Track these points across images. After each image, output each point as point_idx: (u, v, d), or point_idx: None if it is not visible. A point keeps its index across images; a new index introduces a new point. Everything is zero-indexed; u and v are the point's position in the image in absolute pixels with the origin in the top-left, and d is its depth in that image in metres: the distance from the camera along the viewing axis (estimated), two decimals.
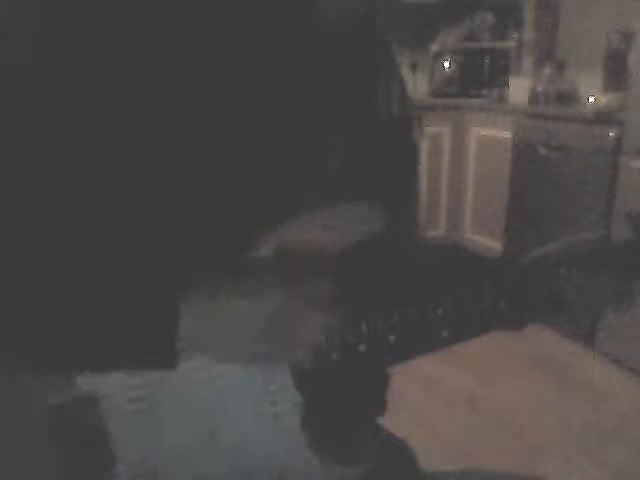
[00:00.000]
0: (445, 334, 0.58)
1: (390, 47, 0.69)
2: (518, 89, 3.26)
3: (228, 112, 0.54)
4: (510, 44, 3.61)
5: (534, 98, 3.16)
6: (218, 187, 0.55)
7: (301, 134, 0.59)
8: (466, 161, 3.38)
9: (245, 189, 0.56)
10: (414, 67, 3.71)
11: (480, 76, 3.75)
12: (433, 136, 3.30)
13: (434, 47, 3.81)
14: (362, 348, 0.57)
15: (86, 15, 0.51)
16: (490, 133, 3.19)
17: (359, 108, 0.64)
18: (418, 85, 3.81)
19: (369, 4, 0.64)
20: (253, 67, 0.55)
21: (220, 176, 0.55)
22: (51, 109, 0.50)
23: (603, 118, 2.48)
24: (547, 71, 3.20)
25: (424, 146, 3.26)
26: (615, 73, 2.88)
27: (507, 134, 3.00)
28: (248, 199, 0.56)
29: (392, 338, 0.57)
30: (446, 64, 3.77)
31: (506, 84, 3.43)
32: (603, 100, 2.70)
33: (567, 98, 3.11)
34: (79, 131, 0.51)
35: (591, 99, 2.80)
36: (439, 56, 3.81)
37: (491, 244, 3.22)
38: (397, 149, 0.68)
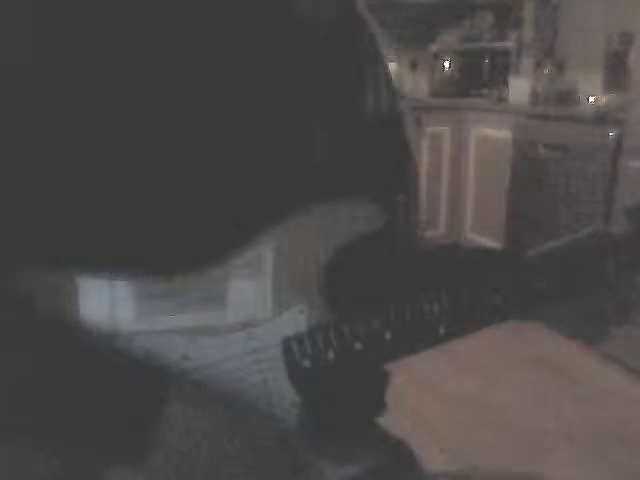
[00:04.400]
0: (442, 331, 0.58)
1: (374, 39, 0.68)
2: (518, 89, 3.26)
3: (205, 107, 0.54)
4: (510, 44, 3.61)
5: (534, 98, 3.17)
6: (204, 188, 0.55)
7: (285, 129, 0.59)
8: (466, 161, 3.38)
9: (232, 189, 0.56)
10: (414, 67, 3.71)
11: (480, 76, 3.75)
12: (433, 136, 3.30)
13: (434, 47, 3.82)
14: (359, 346, 0.57)
15: (84, 13, 0.51)
16: (490, 133, 3.19)
17: (344, 103, 0.63)
18: (418, 85, 3.81)
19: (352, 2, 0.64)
20: (233, 62, 0.55)
21: (206, 176, 0.55)
22: (49, 108, 0.50)
23: (603, 118, 2.48)
24: (547, 71, 3.20)
25: (424, 146, 3.26)
26: (615, 73, 2.88)
27: (507, 134, 3.00)
28: (235, 199, 0.56)
29: (388, 335, 0.57)
30: (446, 64, 3.77)
31: (506, 84, 3.43)
32: (603, 100, 2.70)
33: (567, 98, 3.11)
34: (76, 131, 0.51)
35: (591, 99, 2.80)
36: (439, 56, 3.81)
37: (491, 244, 3.22)
38: (388, 145, 0.68)
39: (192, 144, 0.54)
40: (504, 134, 3.03)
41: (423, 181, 3.30)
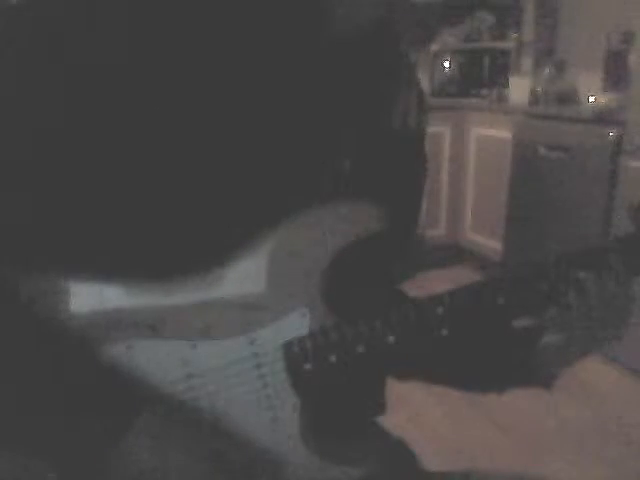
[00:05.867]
0: (445, 333, 0.58)
1: (408, 57, 0.69)
2: (518, 89, 3.26)
3: (238, 111, 0.54)
4: (510, 44, 3.61)
5: (534, 98, 3.16)
6: (223, 187, 0.55)
7: (312, 138, 0.59)
8: (466, 161, 3.38)
9: (234, 191, 0.56)
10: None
11: (480, 76, 3.75)
12: (433, 136, 3.30)
13: (434, 47, 3.81)
14: (361, 349, 0.57)
15: (88, 14, 0.51)
16: (490, 133, 3.19)
17: (372, 116, 0.64)
18: None
19: (386, 15, 0.64)
20: (268, 72, 0.56)
21: (208, 179, 0.55)
22: (47, 112, 0.50)
23: (603, 118, 2.48)
24: (547, 71, 3.20)
25: None
26: (615, 73, 2.88)
27: (507, 134, 3.00)
28: (236, 202, 0.56)
29: (391, 338, 0.57)
30: (446, 64, 3.77)
31: (506, 84, 3.42)
32: (603, 100, 2.70)
33: (567, 98, 3.11)
34: (77, 134, 0.51)
35: (591, 99, 2.80)
36: (439, 56, 3.81)
37: (491, 244, 3.22)
38: (409, 160, 0.68)
39: (198, 150, 0.54)
40: (504, 134, 3.03)
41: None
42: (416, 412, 2.03)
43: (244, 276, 0.55)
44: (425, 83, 3.89)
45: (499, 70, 3.67)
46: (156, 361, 0.54)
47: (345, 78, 0.60)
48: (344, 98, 0.61)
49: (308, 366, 0.56)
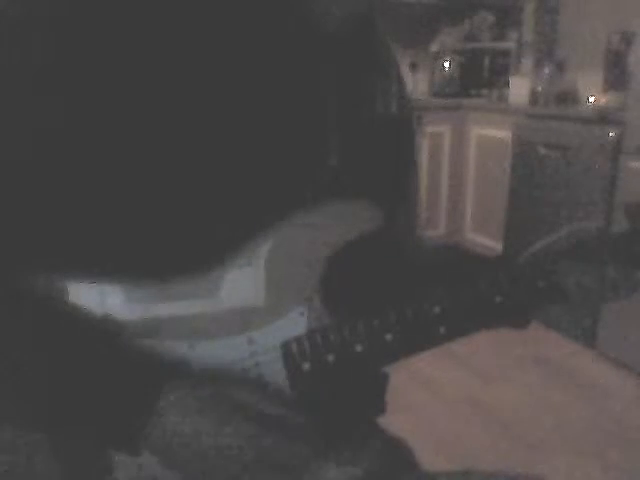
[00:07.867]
0: (442, 331, 0.58)
1: (390, 48, 0.69)
2: (518, 89, 3.26)
3: (225, 111, 0.54)
4: (510, 44, 3.61)
5: (534, 98, 3.17)
6: (213, 186, 0.55)
7: (298, 133, 0.59)
8: (466, 161, 3.38)
9: (231, 190, 0.56)
10: (414, 67, 3.70)
11: (480, 76, 3.75)
12: (433, 136, 3.30)
13: (434, 47, 3.82)
14: (359, 348, 0.57)
15: (86, 14, 0.51)
16: (490, 133, 3.19)
17: (356, 108, 0.63)
18: (418, 85, 3.81)
19: (368, 5, 0.64)
20: (250, 66, 0.55)
21: (215, 174, 0.55)
22: (47, 110, 0.50)
23: (603, 118, 2.48)
24: (547, 71, 3.20)
25: (424, 146, 3.26)
26: (615, 73, 2.88)
27: (507, 134, 3.00)
28: (244, 199, 0.56)
29: (389, 337, 0.57)
30: (446, 64, 3.77)
31: (506, 84, 3.42)
32: (603, 100, 2.70)
33: (567, 98, 3.11)
34: (74, 133, 0.51)
35: (591, 99, 2.80)
36: (439, 56, 3.81)
37: (491, 244, 3.22)
38: (396, 149, 0.68)
39: (194, 148, 0.54)
40: (504, 134, 3.03)
41: (423, 181, 3.30)
42: (416, 412, 2.03)
43: (242, 278, 0.55)
44: (425, 83, 3.89)
45: (499, 70, 3.67)
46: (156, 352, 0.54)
47: (327, 72, 0.60)
48: (328, 92, 0.61)
49: (306, 366, 0.56)
